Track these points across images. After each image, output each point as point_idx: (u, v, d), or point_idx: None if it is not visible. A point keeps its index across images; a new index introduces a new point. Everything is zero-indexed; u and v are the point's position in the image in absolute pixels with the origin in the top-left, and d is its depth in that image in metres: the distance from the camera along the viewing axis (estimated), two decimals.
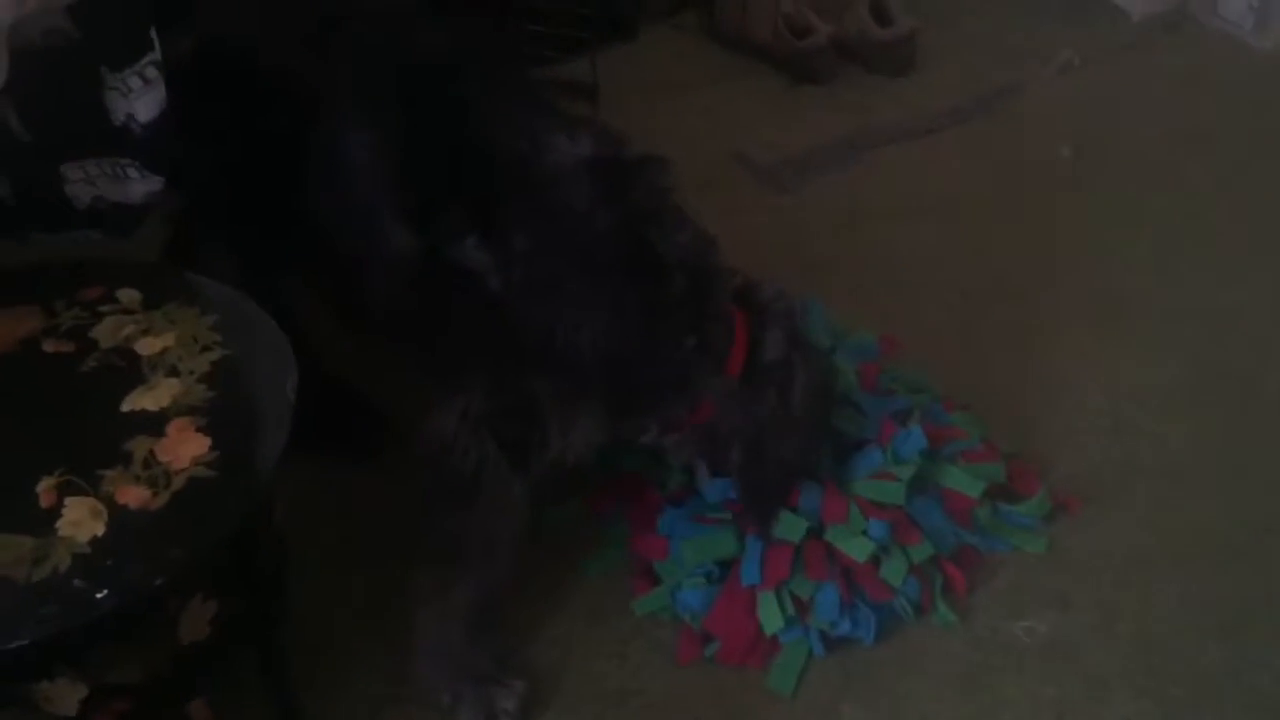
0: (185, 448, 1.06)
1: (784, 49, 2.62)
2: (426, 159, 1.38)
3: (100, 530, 0.99)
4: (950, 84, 2.63)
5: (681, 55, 2.71)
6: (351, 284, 1.45)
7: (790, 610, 1.50)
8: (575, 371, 1.37)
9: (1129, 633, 1.55)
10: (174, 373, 1.14)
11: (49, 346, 1.16)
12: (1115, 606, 1.58)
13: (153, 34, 1.24)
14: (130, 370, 1.14)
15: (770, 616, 1.49)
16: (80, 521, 0.99)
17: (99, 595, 0.95)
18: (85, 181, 1.33)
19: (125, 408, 1.10)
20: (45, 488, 1.02)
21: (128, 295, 1.22)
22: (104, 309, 1.20)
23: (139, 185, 1.34)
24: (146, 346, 1.16)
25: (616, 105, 2.36)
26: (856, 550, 1.53)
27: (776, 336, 1.49)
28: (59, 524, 0.99)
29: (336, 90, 1.41)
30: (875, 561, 1.54)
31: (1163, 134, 2.47)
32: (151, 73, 1.26)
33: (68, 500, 1.01)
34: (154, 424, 1.08)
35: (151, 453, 1.06)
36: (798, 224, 2.23)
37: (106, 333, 1.18)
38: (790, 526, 1.53)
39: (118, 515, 1.00)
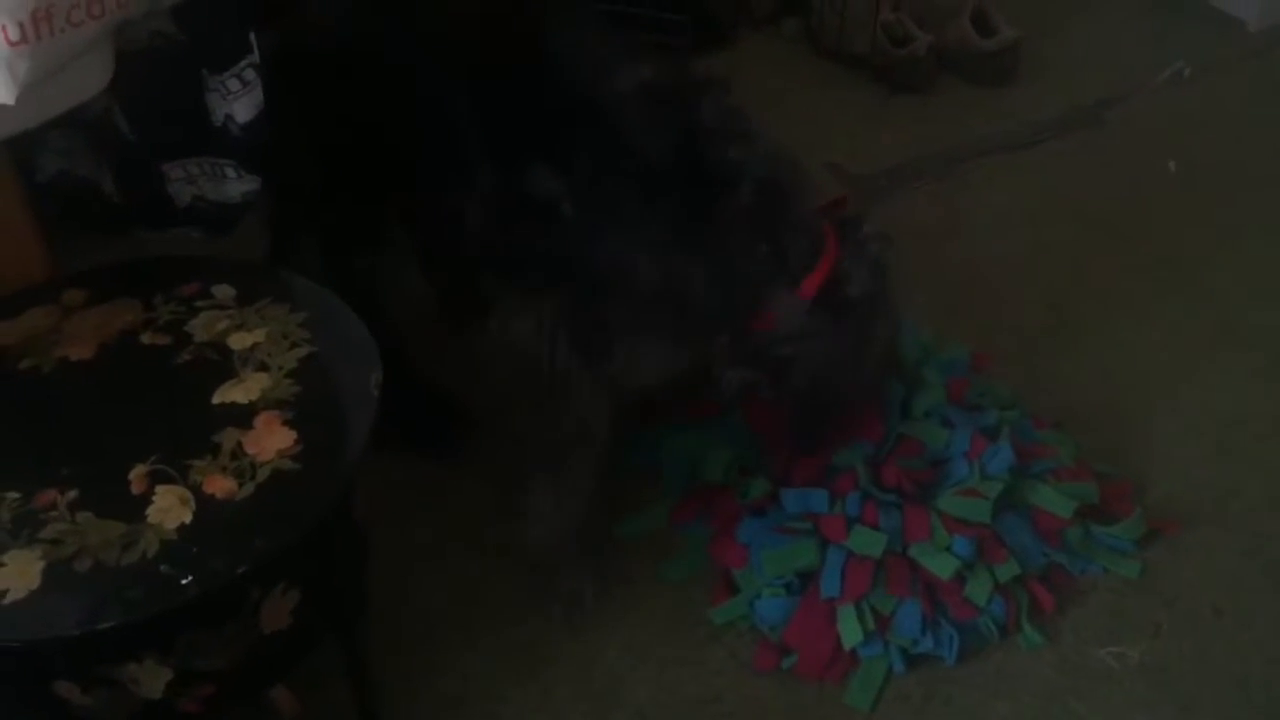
0: (271, 440, 1.08)
1: (882, 58, 2.59)
2: (505, 97, 1.41)
3: (187, 518, 1.01)
4: (1053, 95, 2.58)
5: (779, 64, 2.70)
6: (443, 224, 1.49)
7: (870, 625, 1.48)
8: (639, 291, 1.39)
9: (1223, 662, 1.50)
10: (263, 368, 1.16)
11: (146, 339, 1.20)
12: (1210, 634, 1.53)
13: (251, 37, 1.28)
14: (222, 364, 1.17)
15: (850, 630, 1.47)
16: (169, 509, 1.02)
17: (184, 581, 0.97)
18: (186, 180, 1.37)
19: (216, 400, 1.13)
20: (137, 475, 1.05)
21: (223, 291, 1.25)
22: (200, 304, 1.24)
23: (237, 184, 1.38)
24: (238, 341, 1.19)
25: None
26: (940, 567, 1.51)
27: (864, 275, 1.45)
28: (149, 511, 1.02)
29: (423, 47, 1.45)
30: (960, 579, 1.51)
31: (1276, 149, 2.39)
32: (250, 75, 1.29)
33: (158, 488, 1.04)
34: (243, 417, 1.11)
35: (239, 444, 1.08)
36: (891, 234, 2.20)
37: (201, 327, 1.21)
38: (869, 541, 1.51)
39: (205, 504, 1.03)
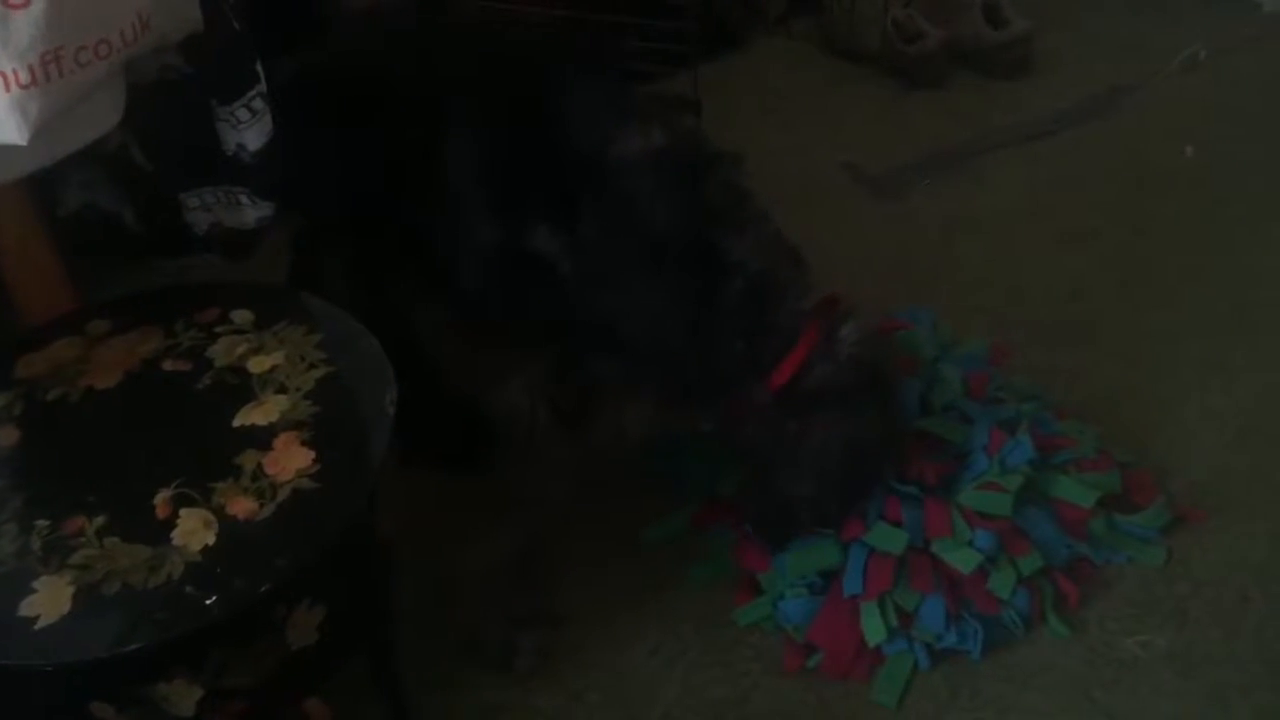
0: (291, 460, 1.10)
1: (894, 55, 2.60)
2: (508, 154, 1.43)
3: (211, 540, 1.04)
4: (1068, 85, 2.57)
5: (791, 65, 2.71)
6: (445, 274, 1.51)
7: (894, 621, 1.49)
8: (629, 356, 1.41)
9: (1251, 648, 1.49)
10: (282, 389, 1.18)
11: (168, 365, 1.22)
12: (1237, 621, 1.52)
13: (258, 68, 1.31)
14: (242, 387, 1.19)
15: (873, 627, 1.48)
16: (193, 531, 1.04)
17: (209, 601, 0.99)
18: (202, 209, 1.41)
19: (236, 423, 1.15)
20: (162, 500, 1.07)
21: (241, 316, 1.28)
22: (219, 329, 1.26)
23: (251, 211, 1.41)
24: (257, 365, 1.21)
25: (726, 115, 2.37)
26: (962, 561, 1.51)
27: (827, 373, 1.45)
28: (173, 534, 1.04)
29: (431, 98, 1.48)
30: (982, 573, 1.52)
31: None
32: (258, 104, 1.32)
33: (182, 511, 1.06)
34: (262, 438, 1.13)
35: (259, 466, 1.10)
36: (908, 231, 2.21)
37: (221, 352, 1.23)
38: (890, 538, 1.52)
39: (227, 525, 1.05)
